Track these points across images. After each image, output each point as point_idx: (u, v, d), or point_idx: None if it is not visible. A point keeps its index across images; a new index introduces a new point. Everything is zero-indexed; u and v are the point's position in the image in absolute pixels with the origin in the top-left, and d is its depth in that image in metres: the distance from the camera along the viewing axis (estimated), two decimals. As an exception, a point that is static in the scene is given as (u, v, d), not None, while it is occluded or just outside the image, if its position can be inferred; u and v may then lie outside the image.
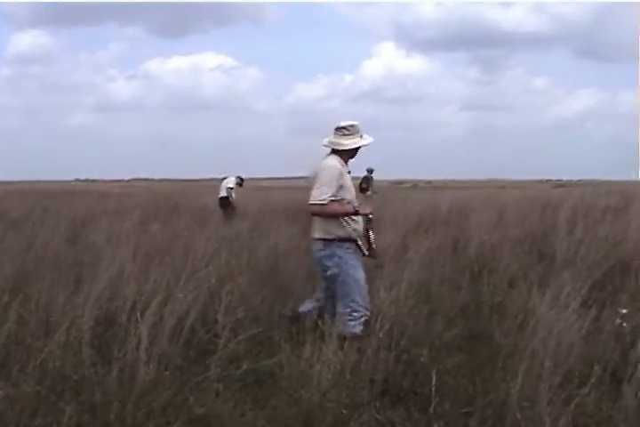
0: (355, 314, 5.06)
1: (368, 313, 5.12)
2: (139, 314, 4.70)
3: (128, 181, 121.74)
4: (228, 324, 5.00)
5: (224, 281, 6.20)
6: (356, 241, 5.16)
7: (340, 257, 5.09)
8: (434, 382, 4.12)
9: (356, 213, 5.06)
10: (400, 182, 71.06)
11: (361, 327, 5.03)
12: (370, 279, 6.73)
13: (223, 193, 16.27)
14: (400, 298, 5.71)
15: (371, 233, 5.23)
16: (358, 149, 5.27)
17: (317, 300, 5.46)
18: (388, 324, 4.99)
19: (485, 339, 5.39)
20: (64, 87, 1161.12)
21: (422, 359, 4.71)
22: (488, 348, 5.08)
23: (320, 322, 4.77)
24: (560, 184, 65.31)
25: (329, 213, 5.02)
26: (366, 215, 5.14)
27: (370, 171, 20.41)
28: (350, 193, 5.16)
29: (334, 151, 5.24)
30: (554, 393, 3.85)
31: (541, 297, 5.18)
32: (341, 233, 5.08)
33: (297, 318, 5.23)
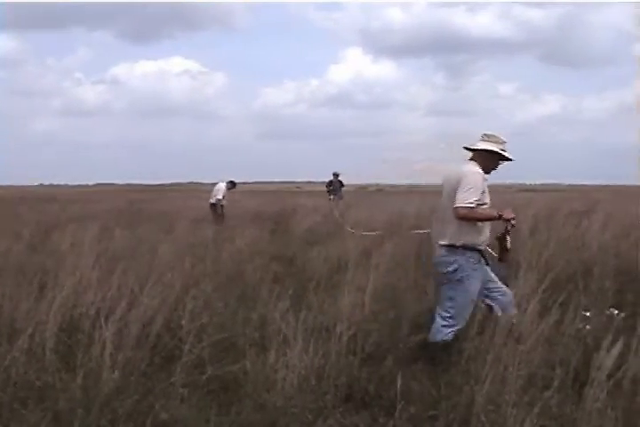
0: (451, 321, 5.07)
1: (463, 325, 5.14)
2: (103, 320, 4.67)
3: (93, 186, 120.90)
4: (192, 329, 4.99)
5: (188, 286, 6.18)
6: (480, 251, 5.16)
7: (460, 264, 5.07)
8: (399, 386, 4.12)
9: (499, 218, 5.05)
10: (364, 187, 71.06)
11: (452, 336, 5.05)
12: (334, 284, 6.75)
13: (213, 201, 17.01)
14: (365, 302, 5.72)
15: (508, 237, 5.22)
16: (496, 159, 5.30)
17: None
18: (353, 328, 5.00)
19: (450, 343, 5.41)
20: (30, 92, 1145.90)
21: (387, 364, 4.73)
22: (452, 352, 5.10)
23: (284, 327, 4.76)
24: (525, 188, 65.82)
25: (474, 217, 5.01)
26: (508, 220, 5.11)
27: (335, 175, 20.57)
28: (489, 198, 5.16)
29: (472, 159, 5.28)
30: (518, 396, 3.89)
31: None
32: (468, 241, 5.07)
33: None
